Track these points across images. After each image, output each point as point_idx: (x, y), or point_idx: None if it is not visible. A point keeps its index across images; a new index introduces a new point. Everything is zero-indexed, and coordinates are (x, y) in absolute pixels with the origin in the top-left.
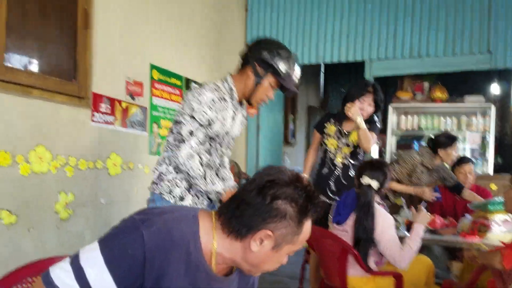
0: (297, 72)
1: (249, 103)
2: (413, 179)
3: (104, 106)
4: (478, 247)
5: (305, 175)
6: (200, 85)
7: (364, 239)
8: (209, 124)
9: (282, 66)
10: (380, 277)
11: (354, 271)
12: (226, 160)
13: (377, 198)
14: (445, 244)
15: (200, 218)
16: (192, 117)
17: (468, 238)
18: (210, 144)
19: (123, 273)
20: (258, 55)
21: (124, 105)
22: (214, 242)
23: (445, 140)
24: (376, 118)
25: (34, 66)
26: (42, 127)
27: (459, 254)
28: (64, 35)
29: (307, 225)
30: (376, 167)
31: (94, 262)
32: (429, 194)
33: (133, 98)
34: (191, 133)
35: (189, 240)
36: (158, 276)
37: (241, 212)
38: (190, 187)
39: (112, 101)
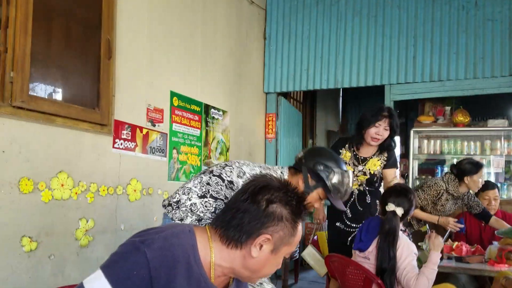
0: (348, 190)
1: None
2: (438, 206)
3: (125, 133)
4: (506, 275)
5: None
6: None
7: (390, 269)
8: None
9: (333, 184)
10: None
11: None
12: None
13: (400, 225)
14: (472, 273)
15: (196, 232)
16: None
17: (496, 266)
18: None
19: None
20: (312, 166)
21: (144, 131)
22: (212, 254)
23: (471, 167)
24: (393, 144)
25: (58, 95)
26: (64, 154)
27: (487, 283)
28: (88, 65)
29: (300, 226)
30: (402, 194)
31: None
32: (453, 224)
33: (153, 125)
34: None
35: (189, 254)
36: None
37: (238, 221)
38: (200, 219)
39: (133, 128)
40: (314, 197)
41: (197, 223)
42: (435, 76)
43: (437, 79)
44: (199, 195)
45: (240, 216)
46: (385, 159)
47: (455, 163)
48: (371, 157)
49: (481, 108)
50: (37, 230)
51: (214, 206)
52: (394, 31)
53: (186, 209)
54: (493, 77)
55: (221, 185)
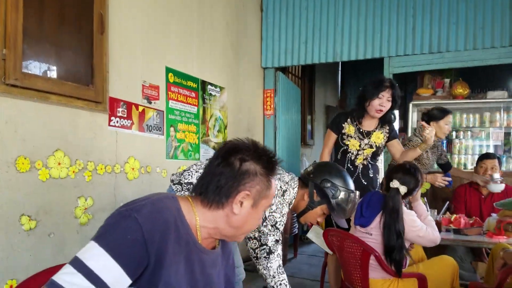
0: (352, 209)
1: (298, 221)
2: (424, 161)
3: (120, 110)
4: (504, 246)
5: None
6: (283, 191)
7: (398, 246)
8: None
9: (338, 203)
10: (403, 279)
11: (375, 274)
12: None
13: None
14: (470, 245)
15: (179, 199)
16: (276, 227)
17: (494, 238)
18: None
19: (128, 259)
20: (319, 183)
21: (140, 109)
22: (196, 217)
23: (437, 113)
24: (393, 117)
25: (52, 72)
26: (60, 132)
27: (483, 255)
28: (81, 40)
29: (273, 181)
30: (410, 173)
31: (97, 256)
32: (441, 180)
33: (149, 102)
34: (277, 241)
35: (176, 217)
36: (159, 255)
37: (216, 184)
38: None
39: (128, 105)
40: (317, 212)
41: None
42: (434, 47)
43: (437, 51)
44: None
45: (217, 179)
46: (387, 131)
47: (454, 136)
48: (374, 131)
49: (480, 80)
50: (35, 209)
51: (266, 250)
52: (393, 1)
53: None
54: (493, 47)
55: None
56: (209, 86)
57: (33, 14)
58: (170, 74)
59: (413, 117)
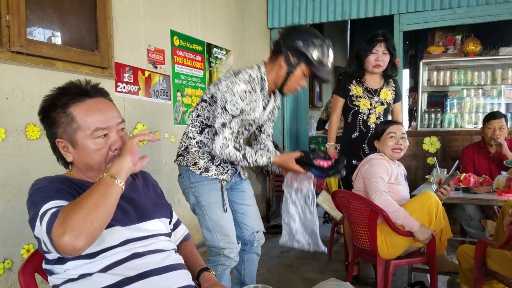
0: (330, 61)
1: (281, 92)
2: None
3: (127, 76)
4: None
5: (332, 144)
6: (235, 73)
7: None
8: (241, 113)
9: (315, 55)
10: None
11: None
12: (269, 144)
13: None
14: (479, 203)
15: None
16: (225, 108)
17: (504, 196)
18: (237, 131)
19: (60, 193)
20: (292, 44)
21: (146, 74)
22: (72, 174)
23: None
24: (394, 70)
25: (56, 38)
26: None
27: (495, 213)
28: (84, 5)
29: (77, 108)
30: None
31: (42, 207)
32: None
33: (155, 67)
34: (224, 125)
35: (61, 176)
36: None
37: (53, 151)
38: (213, 158)
39: (134, 70)
40: (298, 75)
41: (210, 162)
42: (445, 3)
43: (448, 7)
44: (198, 131)
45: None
46: (393, 89)
47: (465, 94)
48: (382, 88)
49: (492, 36)
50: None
51: (213, 131)
52: None
53: (195, 149)
54: (506, 1)
55: (206, 107)
56: (214, 49)
57: None
58: (175, 37)
59: (424, 75)
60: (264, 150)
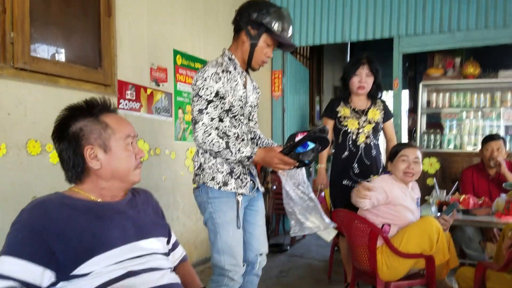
0: (289, 25)
1: (252, 69)
2: None
3: (129, 93)
4: None
5: (323, 165)
6: (204, 65)
7: None
8: (221, 97)
9: (274, 23)
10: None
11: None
12: (259, 132)
13: None
14: (478, 225)
15: (63, 191)
16: (199, 95)
17: (503, 218)
18: (234, 117)
19: (29, 252)
20: (248, 17)
21: (149, 91)
22: (78, 190)
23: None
24: (379, 92)
25: (60, 55)
26: None
27: (494, 236)
28: (88, 23)
29: (109, 117)
30: None
31: (3, 263)
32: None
33: (157, 84)
34: (201, 111)
35: (60, 199)
36: (62, 233)
37: (66, 162)
38: (232, 171)
39: (137, 88)
40: (262, 46)
41: (229, 175)
42: (445, 26)
43: (447, 30)
44: (203, 152)
45: (62, 158)
46: (382, 109)
47: (464, 116)
48: (369, 108)
49: (492, 59)
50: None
51: (192, 121)
52: None
53: (212, 163)
54: (505, 26)
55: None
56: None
57: None
58: (178, 56)
59: (423, 97)
60: (254, 140)
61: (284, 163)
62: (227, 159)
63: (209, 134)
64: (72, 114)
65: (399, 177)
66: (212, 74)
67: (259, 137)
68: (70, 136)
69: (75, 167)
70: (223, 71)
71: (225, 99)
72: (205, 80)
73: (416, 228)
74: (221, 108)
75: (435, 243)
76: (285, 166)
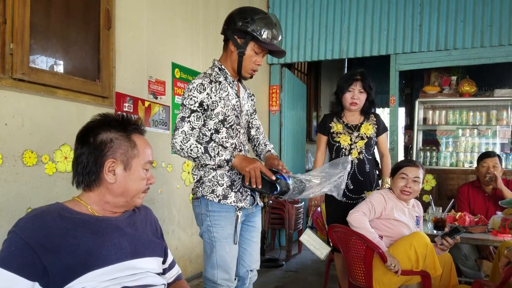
0: (277, 31)
1: (243, 78)
2: None
3: (127, 105)
4: (509, 245)
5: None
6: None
7: None
8: (205, 108)
9: (259, 30)
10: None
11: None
12: (262, 138)
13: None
14: (474, 243)
15: (64, 202)
16: (183, 104)
17: (499, 236)
18: (231, 127)
19: (19, 265)
20: (234, 26)
21: (146, 104)
22: (82, 202)
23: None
24: (372, 107)
25: (58, 67)
26: (67, 126)
27: (490, 253)
28: (87, 36)
29: (139, 138)
30: None
31: None
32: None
33: (155, 97)
34: (183, 119)
35: (59, 211)
36: (56, 247)
37: (82, 166)
38: (232, 183)
39: (135, 100)
40: (250, 54)
41: (229, 188)
42: (441, 45)
43: (444, 48)
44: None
45: (80, 161)
46: (375, 123)
47: (460, 134)
48: (362, 123)
49: (487, 77)
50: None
51: (199, 145)
52: None
53: (213, 175)
54: (500, 45)
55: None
56: None
57: (40, 9)
58: (176, 69)
59: (420, 114)
60: (254, 144)
61: (256, 173)
62: (206, 165)
63: (188, 141)
64: (108, 123)
65: (396, 194)
66: (197, 85)
67: (259, 143)
68: (97, 142)
69: (89, 173)
70: (210, 82)
71: (213, 110)
72: (190, 91)
73: (404, 241)
74: (212, 117)
75: (422, 258)
76: (254, 175)
